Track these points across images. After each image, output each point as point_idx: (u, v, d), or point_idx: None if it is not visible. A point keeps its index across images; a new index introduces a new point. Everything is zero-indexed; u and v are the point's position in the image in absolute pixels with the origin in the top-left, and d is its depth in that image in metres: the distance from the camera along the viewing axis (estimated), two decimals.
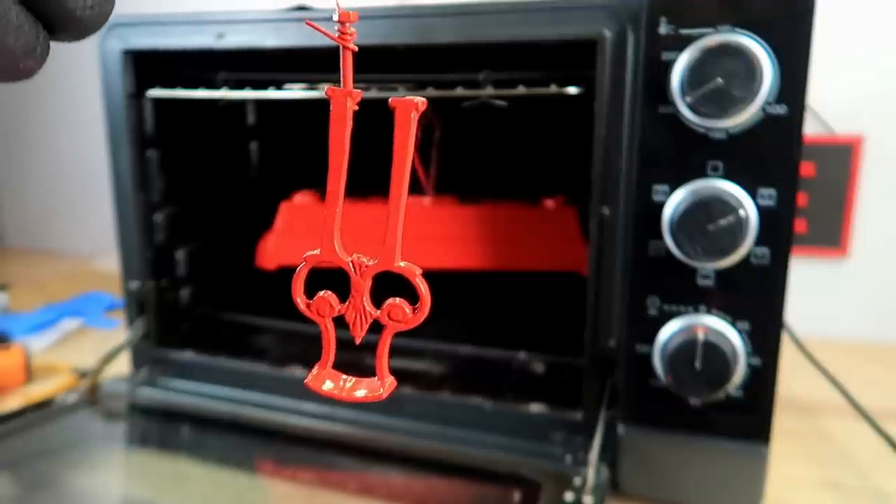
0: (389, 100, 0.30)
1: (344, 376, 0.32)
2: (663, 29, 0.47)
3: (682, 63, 0.46)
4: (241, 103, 0.74)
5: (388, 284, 0.32)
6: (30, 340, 0.87)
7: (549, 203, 0.79)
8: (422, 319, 0.30)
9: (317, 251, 0.31)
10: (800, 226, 0.89)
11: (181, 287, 0.76)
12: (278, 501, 0.57)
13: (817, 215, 0.89)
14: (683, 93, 0.46)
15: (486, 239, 0.78)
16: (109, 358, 0.70)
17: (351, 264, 0.31)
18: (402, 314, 0.30)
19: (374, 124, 0.78)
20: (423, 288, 0.30)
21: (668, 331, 0.51)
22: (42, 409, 0.65)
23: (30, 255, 1.39)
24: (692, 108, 0.46)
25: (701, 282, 0.50)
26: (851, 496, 0.57)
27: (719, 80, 0.45)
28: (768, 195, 0.47)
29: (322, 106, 0.92)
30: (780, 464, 0.58)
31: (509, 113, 0.63)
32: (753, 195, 0.47)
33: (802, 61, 0.45)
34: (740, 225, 0.46)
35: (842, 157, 0.87)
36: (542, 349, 0.71)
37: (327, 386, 0.32)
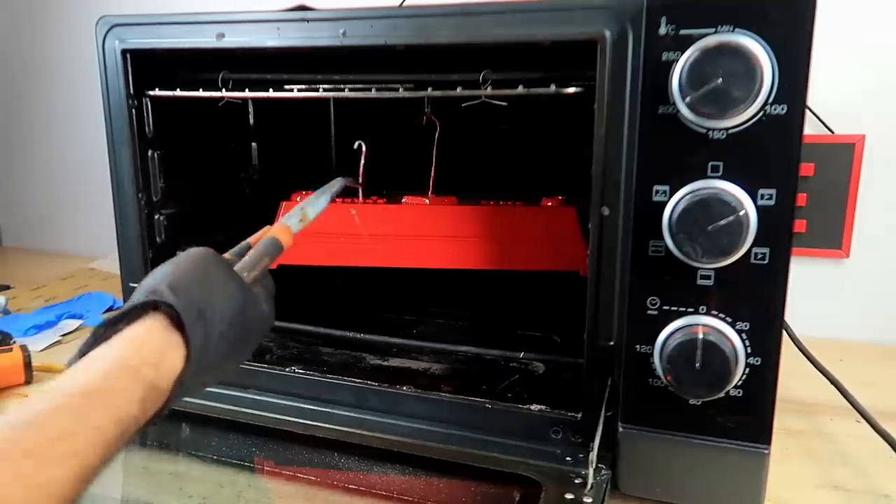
0: None
1: None
2: (663, 29, 0.47)
3: (682, 63, 0.46)
4: (242, 103, 0.74)
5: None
6: (30, 340, 0.87)
7: (549, 203, 0.79)
8: None
9: None
10: (800, 226, 0.89)
11: None
12: (278, 501, 0.57)
13: (817, 215, 0.88)
14: (683, 93, 0.46)
15: (486, 238, 0.78)
16: None
17: None
18: None
19: (374, 124, 0.78)
20: None
21: (668, 331, 0.51)
22: None
23: (30, 255, 1.39)
24: (692, 108, 0.46)
25: (701, 282, 0.50)
26: (851, 496, 0.57)
27: (719, 80, 0.45)
28: (768, 195, 0.47)
29: (322, 106, 0.92)
30: (780, 464, 0.58)
31: (510, 113, 0.63)
32: (753, 195, 0.47)
33: (802, 61, 0.45)
34: (740, 225, 0.46)
35: (842, 157, 0.87)
36: (542, 349, 0.71)
37: None
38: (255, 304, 0.46)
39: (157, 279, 0.40)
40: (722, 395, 0.50)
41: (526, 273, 0.80)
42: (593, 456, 0.52)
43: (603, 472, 0.55)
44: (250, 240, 0.53)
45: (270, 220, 0.79)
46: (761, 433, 0.50)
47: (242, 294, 0.44)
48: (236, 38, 0.62)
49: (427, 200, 0.79)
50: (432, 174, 0.78)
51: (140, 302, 0.38)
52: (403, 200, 0.80)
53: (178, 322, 0.38)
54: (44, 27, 1.32)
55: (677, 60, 0.46)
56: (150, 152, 0.70)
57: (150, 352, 0.37)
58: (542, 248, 0.77)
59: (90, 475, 0.31)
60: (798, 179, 0.47)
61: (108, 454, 0.32)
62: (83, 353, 0.36)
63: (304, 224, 0.58)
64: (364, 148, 0.78)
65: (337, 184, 0.64)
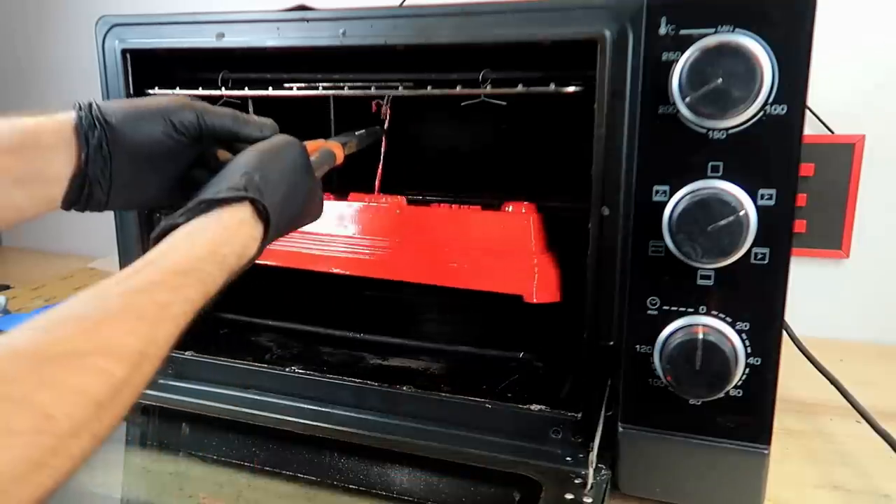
0: None
1: None
2: (663, 29, 0.47)
3: (682, 63, 0.46)
4: (241, 102, 0.74)
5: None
6: None
7: (509, 207, 0.69)
8: None
9: None
10: (800, 226, 0.89)
11: None
12: (278, 501, 0.57)
13: (817, 215, 0.88)
14: (683, 93, 0.46)
15: (414, 246, 0.69)
16: None
17: None
18: None
19: (372, 122, 0.78)
20: None
21: (668, 331, 0.51)
22: None
23: (29, 255, 1.39)
24: (692, 108, 0.46)
25: (701, 282, 0.50)
26: (851, 496, 0.57)
27: (719, 80, 0.45)
28: (768, 195, 0.47)
29: (322, 106, 0.92)
30: (780, 464, 0.58)
31: (509, 113, 0.63)
32: (753, 195, 0.47)
33: (802, 61, 0.45)
34: (740, 225, 0.46)
35: (842, 157, 0.87)
36: (542, 349, 0.71)
37: None
38: (317, 200, 0.53)
39: (255, 169, 0.44)
40: (722, 395, 0.50)
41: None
42: (593, 456, 0.52)
43: (603, 472, 0.55)
44: (307, 144, 0.55)
45: None
46: (761, 433, 0.50)
47: (314, 191, 0.51)
48: (236, 38, 0.62)
49: (370, 201, 0.72)
50: (379, 171, 0.72)
51: (241, 195, 0.42)
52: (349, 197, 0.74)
53: (265, 218, 0.43)
54: (43, 27, 1.32)
55: (677, 60, 0.46)
56: None
57: (238, 243, 0.42)
58: (482, 263, 0.66)
59: (179, 333, 0.37)
60: (798, 179, 0.47)
61: (193, 317, 0.38)
62: (188, 217, 0.41)
63: (350, 151, 0.60)
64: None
65: (376, 132, 0.66)
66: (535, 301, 0.64)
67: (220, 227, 0.41)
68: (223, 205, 0.42)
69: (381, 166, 0.72)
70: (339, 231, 0.72)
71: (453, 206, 0.71)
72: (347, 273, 0.71)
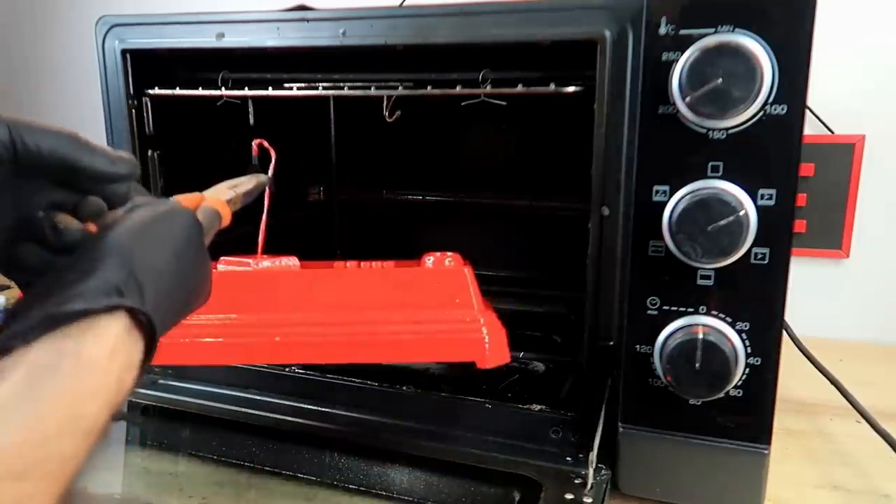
0: None
1: None
2: (663, 29, 0.47)
3: (682, 63, 0.46)
4: (241, 103, 0.74)
5: None
6: None
7: (428, 260, 0.58)
8: None
9: None
10: (800, 226, 0.89)
11: None
12: (278, 501, 0.57)
13: (817, 215, 0.89)
14: (683, 93, 0.46)
15: (338, 320, 0.55)
16: None
17: None
18: None
19: (374, 123, 0.78)
20: None
21: (668, 331, 0.51)
22: None
23: None
24: (692, 108, 0.46)
25: (701, 282, 0.50)
26: (851, 496, 0.57)
27: (719, 80, 0.45)
28: (768, 195, 0.47)
29: (322, 106, 0.92)
30: (780, 464, 0.58)
31: (509, 114, 0.63)
32: (753, 195, 0.47)
33: (802, 61, 0.45)
34: (740, 225, 0.46)
35: (842, 157, 0.87)
36: (542, 349, 0.71)
37: None
38: (209, 279, 0.39)
39: (131, 255, 0.30)
40: (722, 395, 0.50)
41: (526, 272, 0.79)
42: (593, 456, 0.52)
43: (603, 472, 0.55)
44: (179, 198, 0.42)
45: (270, 220, 0.79)
46: (761, 433, 0.50)
47: (205, 270, 0.38)
48: (236, 38, 0.62)
49: (252, 262, 0.59)
50: (262, 227, 0.60)
51: (114, 304, 0.28)
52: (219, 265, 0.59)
53: (148, 331, 0.30)
54: (44, 27, 1.32)
55: (677, 60, 0.46)
56: (149, 152, 0.70)
57: (111, 388, 0.27)
58: (417, 332, 0.54)
59: None
60: (798, 179, 0.47)
61: None
62: (27, 339, 0.26)
63: (235, 208, 0.48)
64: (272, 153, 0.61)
65: (261, 183, 0.54)
66: (487, 367, 0.54)
67: (84, 367, 0.26)
68: (85, 319, 0.27)
69: (264, 221, 0.61)
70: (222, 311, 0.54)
71: (362, 263, 0.60)
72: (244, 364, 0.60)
